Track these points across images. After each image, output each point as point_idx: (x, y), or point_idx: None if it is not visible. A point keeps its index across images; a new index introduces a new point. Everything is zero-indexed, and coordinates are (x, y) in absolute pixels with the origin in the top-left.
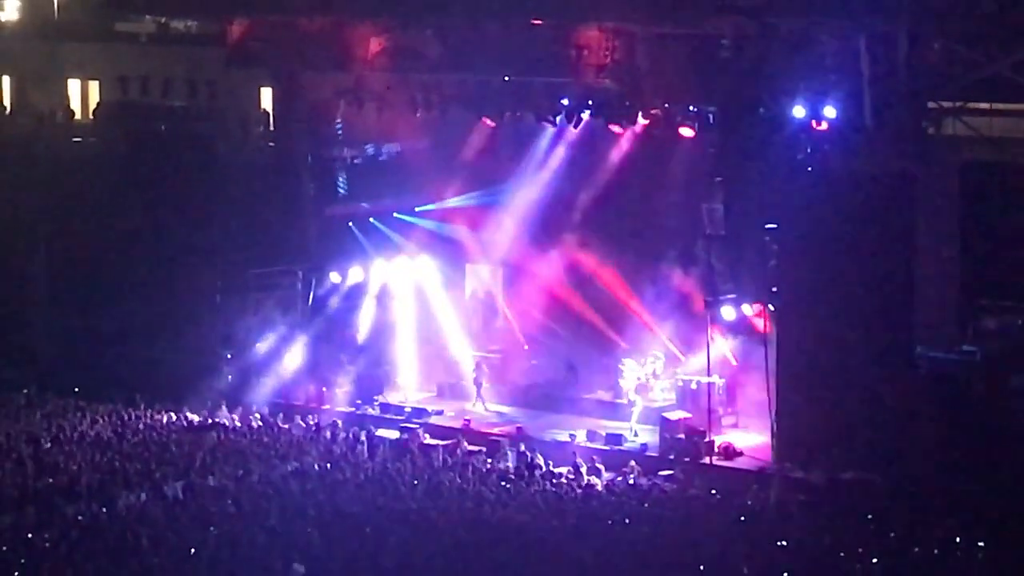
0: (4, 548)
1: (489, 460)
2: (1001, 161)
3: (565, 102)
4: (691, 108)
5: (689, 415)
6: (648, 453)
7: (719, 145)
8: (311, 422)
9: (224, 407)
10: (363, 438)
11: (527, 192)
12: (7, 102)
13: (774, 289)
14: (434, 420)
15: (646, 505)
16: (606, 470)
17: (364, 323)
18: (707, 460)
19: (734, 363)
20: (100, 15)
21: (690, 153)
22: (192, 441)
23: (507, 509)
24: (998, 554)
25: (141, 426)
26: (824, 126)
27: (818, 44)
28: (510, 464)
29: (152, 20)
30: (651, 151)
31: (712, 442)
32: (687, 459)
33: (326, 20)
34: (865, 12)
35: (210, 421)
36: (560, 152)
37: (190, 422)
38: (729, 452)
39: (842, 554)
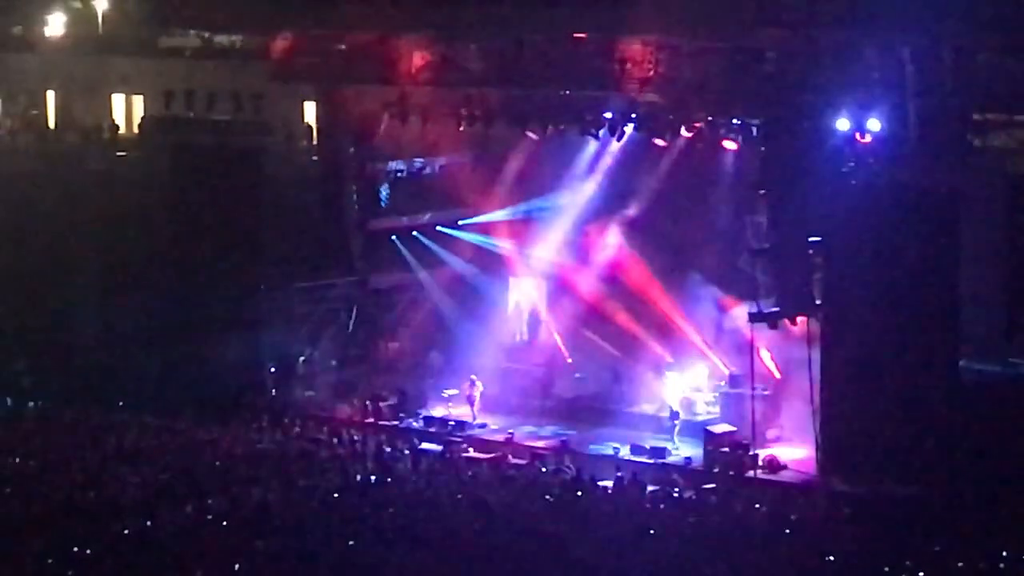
0: (51, 561)
1: (533, 474)
2: None
3: (608, 115)
4: (734, 121)
5: (733, 428)
6: (692, 466)
7: (763, 158)
8: (355, 436)
9: (269, 421)
10: (407, 452)
11: (571, 206)
12: (52, 117)
13: (819, 302)
14: (478, 433)
15: (690, 519)
16: (650, 483)
17: (408, 336)
18: (751, 473)
19: (778, 376)
20: (145, 30)
21: (734, 166)
22: (237, 455)
23: (551, 523)
24: None
25: (186, 440)
26: (868, 139)
27: (862, 56)
28: (554, 478)
29: (196, 35)
30: (695, 164)
31: (756, 455)
32: (731, 472)
33: (370, 35)
34: (909, 24)
35: (255, 434)
36: (603, 166)
37: (235, 436)
38: (773, 465)
39: (887, 568)
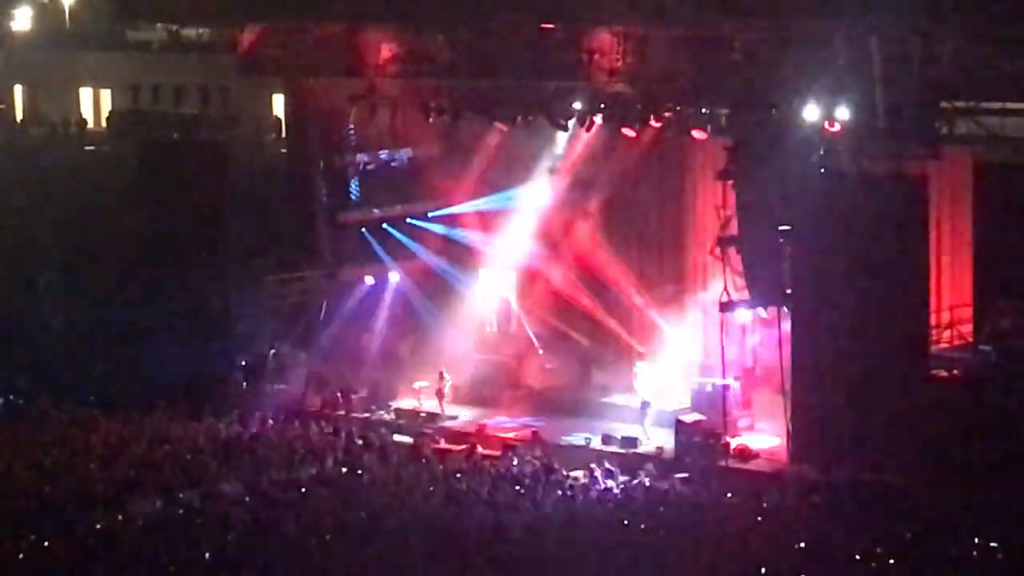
0: (20, 557)
1: (504, 465)
2: (1015, 161)
3: (577, 106)
4: (703, 111)
5: (704, 418)
6: (663, 456)
7: (731, 147)
8: (326, 428)
9: (239, 413)
10: (378, 444)
11: (540, 196)
12: (19, 111)
13: (788, 291)
14: (449, 425)
15: (662, 508)
16: (621, 473)
17: (378, 329)
18: (722, 463)
19: (749, 365)
20: (112, 24)
21: (702, 156)
22: (207, 448)
23: (522, 514)
24: (1015, 555)
25: (156, 433)
26: (837, 127)
27: (830, 45)
28: (525, 469)
29: (163, 28)
30: (663, 154)
31: (727, 444)
32: (702, 462)
33: (337, 26)
34: (877, 12)
35: (225, 428)
36: (573, 156)
37: (205, 429)
38: (744, 454)
39: (858, 556)
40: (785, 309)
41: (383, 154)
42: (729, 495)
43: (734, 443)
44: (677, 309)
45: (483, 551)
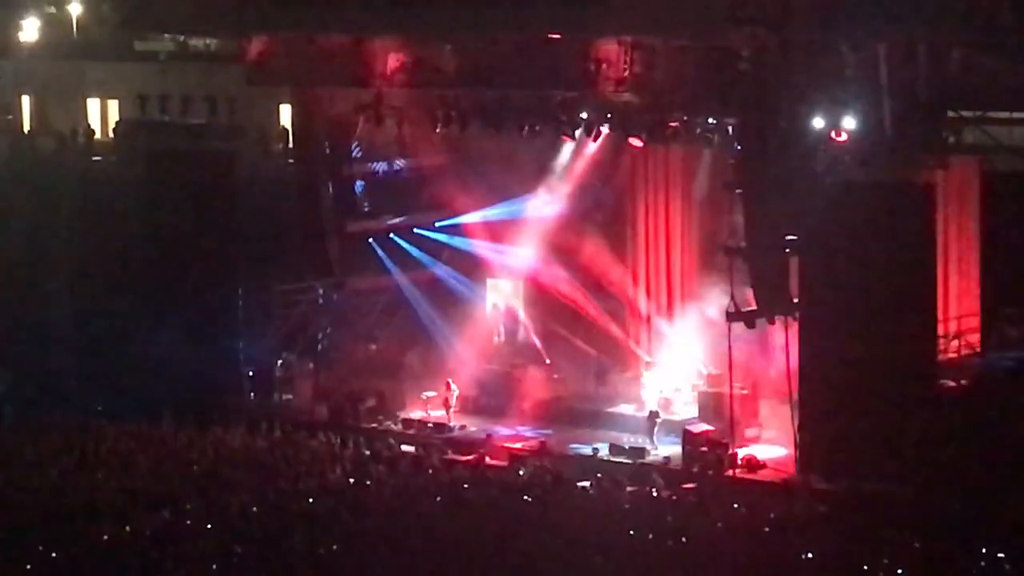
0: (29, 567)
1: (511, 475)
2: (1021, 169)
3: (584, 116)
4: (710, 120)
5: (711, 428)
6: (671, 466)
7: (738, 157)
8: (334, 439)
9: (246, 425)
10: (386, 454)
11: (547, 206)
12: (27, 121)
13: (795, 300)
14: (456, 435)
15: (669, 518)
16: (629, 483)
17: (386, 339)
18: (730, 472)
19: (756, 375)
20: (119, 34)
21: (709, 165)
22: (214, 458)
23: (530, 524)
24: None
25: (163, 444)
26: (844, 137)
27: (837, 55)
28: (532, 479)
29: (171, 39)
30: (670, 163)
31: (735, 454)
32: (710, 471)
33: (344, 37)
34: (883, 22)
35: (232, 438)
36: (580, 165)
37: (213, 439)
38: (752, 464)
39: (866, 566)
40: (792, 318)
41: (391, 164)
42: (736, 505)
43: (741, 453)
44: (684, 319)
45: (490, 561)
